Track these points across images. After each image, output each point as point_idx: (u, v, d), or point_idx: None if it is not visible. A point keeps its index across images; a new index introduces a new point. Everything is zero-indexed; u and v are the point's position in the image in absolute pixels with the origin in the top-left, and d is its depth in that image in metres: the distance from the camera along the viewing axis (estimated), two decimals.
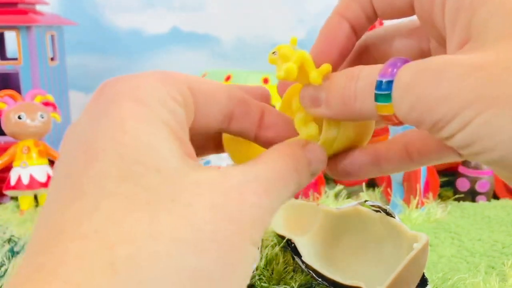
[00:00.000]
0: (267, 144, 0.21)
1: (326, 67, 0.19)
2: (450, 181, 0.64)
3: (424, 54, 0.21)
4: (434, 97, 0.15)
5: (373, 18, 0.21)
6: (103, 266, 0.12)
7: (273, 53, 0.20)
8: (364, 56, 0.22)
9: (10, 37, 0.73)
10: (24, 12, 0.67)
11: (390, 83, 0.16)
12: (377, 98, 0.17)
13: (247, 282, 0.15)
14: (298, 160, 0.18)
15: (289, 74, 0.18)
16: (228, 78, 0.63)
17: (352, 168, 0.21)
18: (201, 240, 0.14)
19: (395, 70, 0.16)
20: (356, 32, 0.21)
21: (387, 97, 0.16)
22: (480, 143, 0.15)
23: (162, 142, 0.15)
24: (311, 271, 0.37)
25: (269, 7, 0.91)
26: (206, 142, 0.22)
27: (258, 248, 0.16)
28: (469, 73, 0.15)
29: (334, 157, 0.21)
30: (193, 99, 0.18)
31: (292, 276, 0.39)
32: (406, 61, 0.17)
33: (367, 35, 0.22)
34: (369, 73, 0.17)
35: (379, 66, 0.17)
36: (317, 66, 0.19)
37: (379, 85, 0.17)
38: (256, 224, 0.15)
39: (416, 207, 0.54)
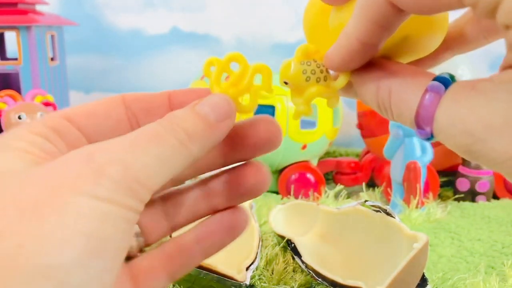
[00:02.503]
0: None
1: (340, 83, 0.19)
2: (450, 181, 0.64)
3: None
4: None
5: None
6: None
7: (285, 83, 0.19)
8: None
9: (10, 37, 0.73)
10: (24, 12, 0.67)
11: (428, 135, 0.16)
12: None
13: (84, 237, 0.14)
14: (173, 118, 0.17)
15: (306, 112, 0.19)
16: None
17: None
18: (4, 209, 0.14)
19: (428, 128, 0.16)
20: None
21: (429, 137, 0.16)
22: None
23: (6, 158, 0.16)
24: (311, 271, 0.37)
25: (269, 7, 0.91)
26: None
27: (118, 203, 0.15)
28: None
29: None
30: (75, 125, 0.19)
31: (292, 276, 0.39)
32: (439, 94, 0.16)
33: None
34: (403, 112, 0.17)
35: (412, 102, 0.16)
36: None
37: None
38: (88, 176, 0.15)
39: (416, 207, 0.54)
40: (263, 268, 0.40)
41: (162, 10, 0.93)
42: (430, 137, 0.16)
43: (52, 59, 0.75)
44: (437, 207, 0.56)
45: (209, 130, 0.18)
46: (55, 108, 0.64)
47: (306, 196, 0.61)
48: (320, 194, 0.61)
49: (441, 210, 0.56)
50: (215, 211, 0.21)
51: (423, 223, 0.53)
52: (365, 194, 0.61)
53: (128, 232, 0.15)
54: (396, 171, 0.56)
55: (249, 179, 0.21)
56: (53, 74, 0.75)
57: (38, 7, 0.74)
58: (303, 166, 0.63)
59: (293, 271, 0.40)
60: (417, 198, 0.54)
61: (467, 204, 0.59)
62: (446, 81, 0.16)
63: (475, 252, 0.46)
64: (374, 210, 0.38)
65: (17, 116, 0.59)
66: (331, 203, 0.58)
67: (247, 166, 0.21)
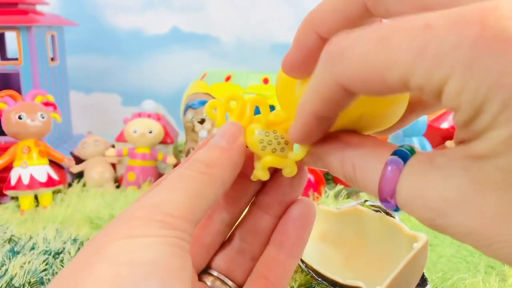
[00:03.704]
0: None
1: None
2: None
3: None
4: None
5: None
6: None
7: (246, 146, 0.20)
8: None
9: (11, 37, 0.73)
10: (24, 12, 0.67)
11: (394, 206, 0.16)
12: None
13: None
14: (191, 158, 0.20)
15: (262, 177, 0.20)
16: (228, 78, 0.63)
17: None
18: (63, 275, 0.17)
19: (393, 199, 0.16)
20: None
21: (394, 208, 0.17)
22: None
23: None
24: (311, 271, 0.37)
25: (269, 7, 0.91)
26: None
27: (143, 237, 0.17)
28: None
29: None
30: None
31: (292, 276, 0.39)
32: (398, 165, 0.16)
33: None
34: (367, 182, 0.17)
35: (374, 173, 0.17)
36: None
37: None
38: (123, 224, 0.17)
39: None
40: None
41: (162, 10, 0.93)
42: (396, 208, 0.16)
43: (52, 59, 0.75)
44: None
45: (224, 154, 0.20)
46: (55, 108, 0.64)
47: (306, 196, 0.61)
48: (320, 194, 0.61)
49: None
50: (278, 219, 0.23)
51: None
52: (365, 194, 0.61)
53: (177, 254, 0.17)
54: None
55: (284, 179, 0.22)
56: (53, 74, 0.75)
57: (39, 7, 0.74)
58: None
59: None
60: None
61: None
62: (405, 155, 0.16)
63: (474, 252, 0.46)
64: (374, 210, 0.38)
65: (17, 116, 0.59)
66: (331, 203, 0.58)
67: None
